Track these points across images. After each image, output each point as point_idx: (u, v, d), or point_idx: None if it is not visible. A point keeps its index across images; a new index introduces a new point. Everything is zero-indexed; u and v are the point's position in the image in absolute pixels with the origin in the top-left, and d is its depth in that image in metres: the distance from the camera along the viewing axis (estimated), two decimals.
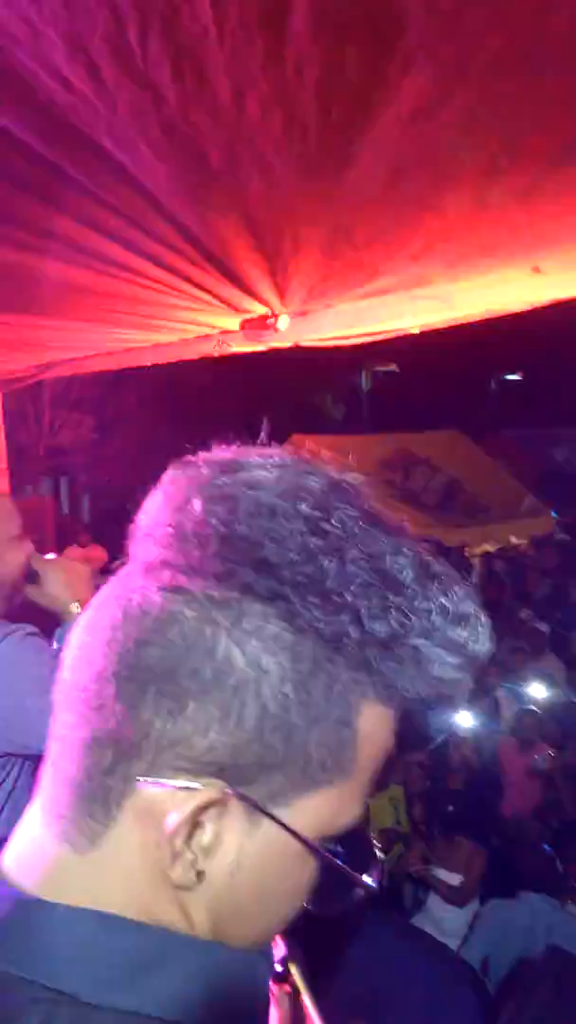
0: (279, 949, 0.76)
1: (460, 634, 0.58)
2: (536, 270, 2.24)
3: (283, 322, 2.80)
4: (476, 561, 11.83)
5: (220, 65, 1.30)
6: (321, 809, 0.59)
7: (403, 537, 0.60)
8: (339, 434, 15.28)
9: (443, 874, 4.56)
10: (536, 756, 5.85)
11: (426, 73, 1.30)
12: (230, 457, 0.62)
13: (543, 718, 6.38)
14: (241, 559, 0.55)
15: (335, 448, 12.94)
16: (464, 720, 6.37)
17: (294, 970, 0.77)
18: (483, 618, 0.61)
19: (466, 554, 11.83)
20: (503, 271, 2.24)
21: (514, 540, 12.90)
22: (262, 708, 0.55)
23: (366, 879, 0.65)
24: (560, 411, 17.09)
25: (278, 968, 0.76)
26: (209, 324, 3.11)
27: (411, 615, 0.56)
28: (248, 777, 0.56)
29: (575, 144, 1.46)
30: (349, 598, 0.55)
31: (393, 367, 14.67)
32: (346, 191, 1.75)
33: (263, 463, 0.60)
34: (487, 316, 2.77)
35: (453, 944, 4.23)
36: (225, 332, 3.25)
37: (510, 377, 17.83)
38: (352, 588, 0.55)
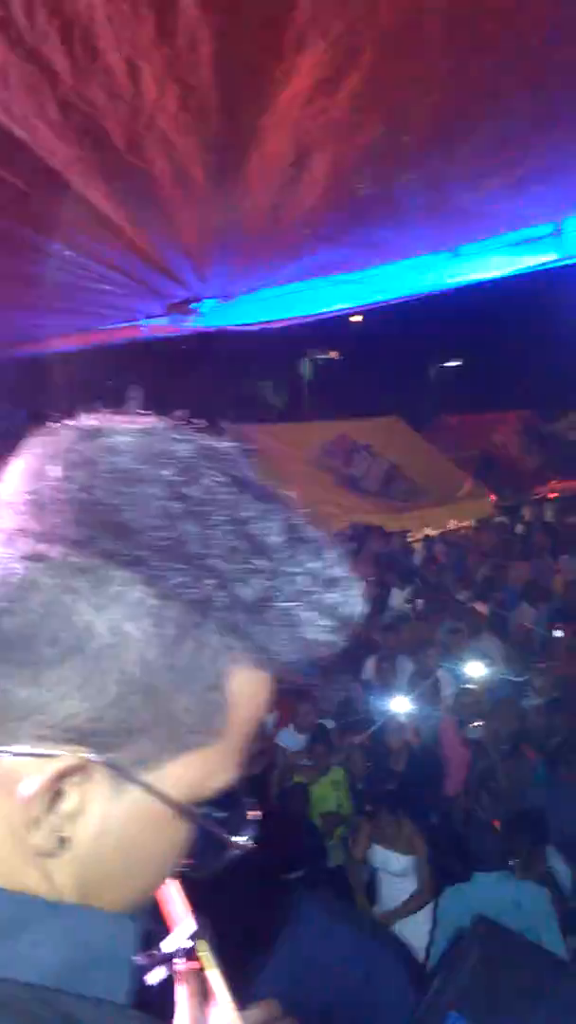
0: (188, 924, 0.76)
1: (331, 597, 0.58)
2: (453, 251, 2.27)
3: (206, 306, 2.78)
4: (418, 545, 12.01)
5: (110, 40, 1.27)
6: (192, 772, 0.59)
7: (275, 503, 0.60)
8: (280, 422, 15.31)
9: (388, 855, 4.63)
10: (469, 726, 5.97)
11: (319, 50, 1.29)
12: (92, 424, 0.61)
13: (481, 696, 6.52)
14: (100, 525, 0.55)
15: (276, 436, 12.97)
16: (405, 702, 6.48)
17: (202, 946, 0.77)
18: (355, 582, 0.61)
19: (408, 538, 12.00)
20: (421, 252, 2.26)
21: (454, 523, 13.12)
22: (124, 674, 0.54)
23: (240, 840, 0.66)
24: (497, 397, 17.43)
25: (187, 944, 0.76)
26: (133, 309, 3.07)
27: (279, 579, 0.56)
28: (113, 743, 0.56)
29: (473, 122, 1.47)
30: (213, 562, 0.55)
31: (334, 355, 14.72)
32: (255, 172, 1.74)
33: (126, 429, 0.59)
34: (410, 297, 2.79)
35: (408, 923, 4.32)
36: (150, 317, 3.21)
37: (449, 364, 18.07)
38: (216, 552, 0.55)
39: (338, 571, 0.60)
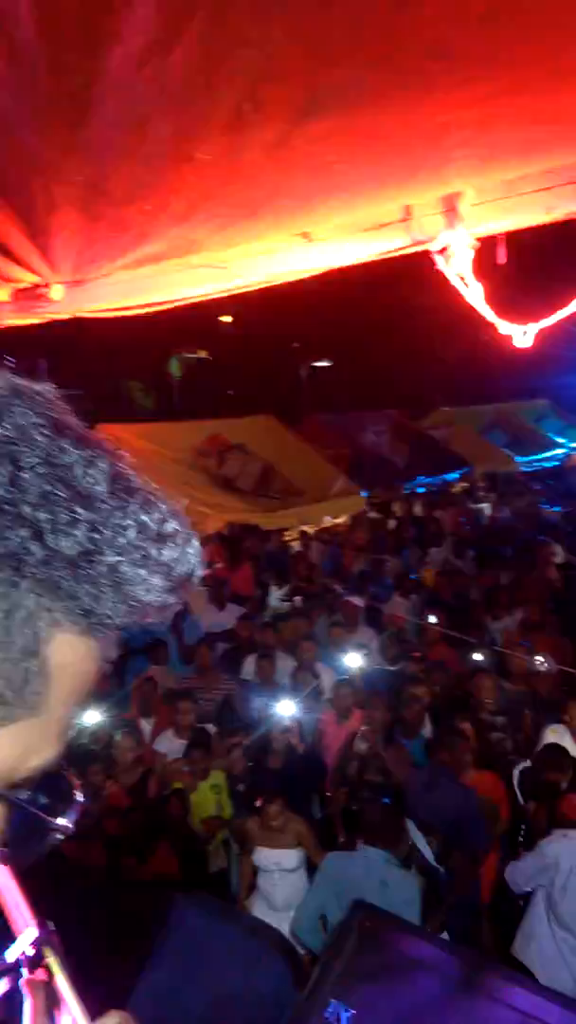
0: (31, 931, 0.67)
1: (164, 554, 0.53)
2: (305, 236, 2.25)
3: (57, 292, 2.64)
4: (295, 543, 12.13)
5: None
6: (4, 750, 0.52)
7: (99, 449, 0.53)
8: (150, 422, 15.01)
9: (276, 853, 4.60)
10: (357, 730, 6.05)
11: (149, 5, 1.23)
12: None
13: (359, 687, 6.63)
14: None
15: (146, 436, 12.72)
16: (287, 699, 6.50)
17: (49, 954, 0.68)
18: (192, 539, 0.55)
19: (285, 537, 12.09)
20: (274, 236, 2.23)
21: (328, 520, 13.34)
22: None
23: (64, 823, 0.59)
24: (366, 396, 17.89)
25: (31, 951, 0.67)
26: None
27: (104, 530, 0.50)
28: None
29: (320, 94, 1.45)
30: (27, 510, 0.48)
31: (204, 354, 14.62)
32: (92, 141, 1.65)
33: None
34: (267, 284, 2.76)
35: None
36: None
37: (319, 364, 18.38)
38: (30, 499, 0.48)
39: (172, 526, 0.54)
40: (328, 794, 5.72)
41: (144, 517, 0.53)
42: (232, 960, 2.72)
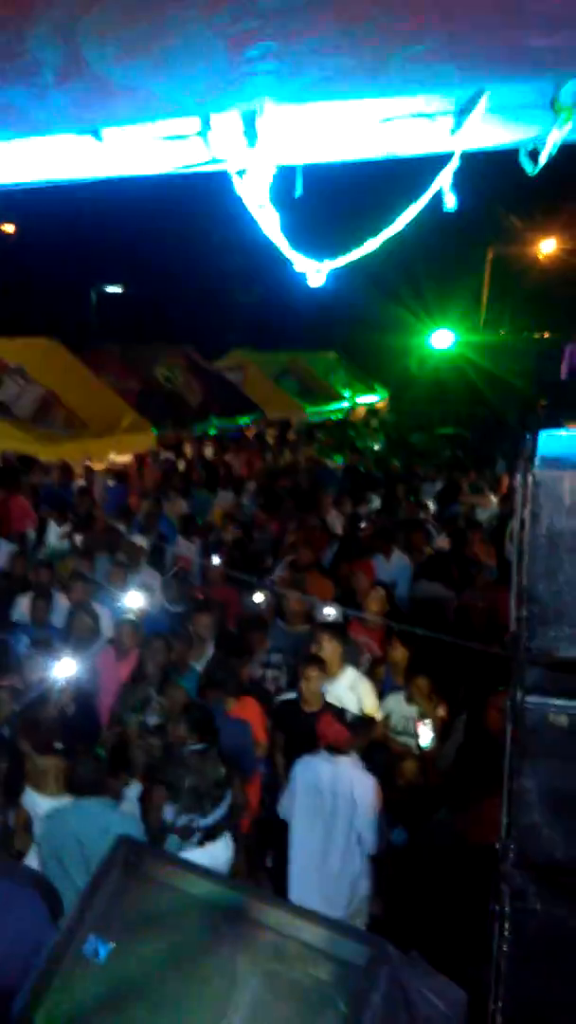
0: None
1: None
2: (96, 135, 2.04)
3: None
4: (79, 479, 11.61)
5: None
6: None
7: None
8: None
9: (37, 797, 4.44)
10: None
11: None
12: None
13: (139, 625, 6.54)
14: None
15: None
16: (63, 641, 6.27)
17: None
18: None
19: (67, 471, 11.53)
20: (62, 124, 1.99)
21: (114, 456, 12.91)
22: None
23: None
24: (161, 329, 17.36)
25: None
26: None
27: None
28: None
29: None
30: None
31: None
32: None
33: None
34: (57, 186, 2.49)
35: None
36: None
37: (113, 290, 17.49)
38: None
39: None
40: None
41: None
42: None
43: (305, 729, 4.94)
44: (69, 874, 3.78)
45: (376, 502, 11.49)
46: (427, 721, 5.28)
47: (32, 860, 4.05)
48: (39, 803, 4.32)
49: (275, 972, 2.20)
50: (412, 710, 5.51)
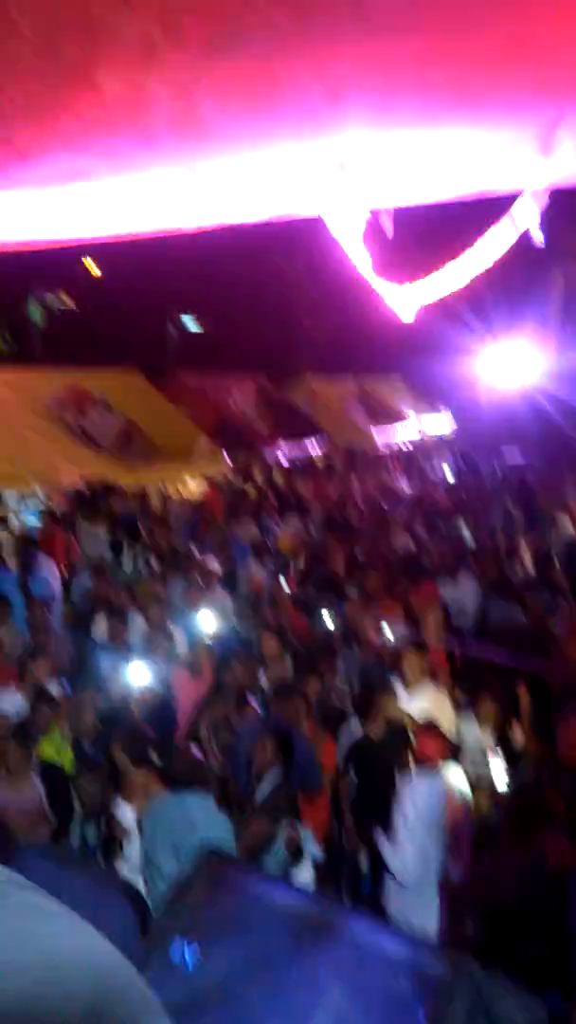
0: None
1: None
2: (194, 174, 2.20)
3: None
4: (154, 504, 11.95)
5: None
6: None
7: None
8: (8, 367, 14.14)
9: (124, 810, 4.56)
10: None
11: None
12: None
13: (212, 647, 6.70)
14: None
15: (3, 382, 12.04)
16: (139, 659, 6.45)
17: None
18: None
19: (145, 498, 11.87)
20: (165, 170, 2.16)
21: (189, 482, 13.24)
22: None
23: None
24: (233, 359, 17.78)
25: None
26: None
27: None
28: None
29: (231, 32, 1.42)
30: None
31: (69, 302, 13.96)
32: None
33: None
34: (156, 232, 2.68)
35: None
36: None
37: (189, 321, 18.03)
38: None
39: None
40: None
41: None
42: (80, 904, 2.71)
43: (380, 761, 4.96)
44: (159, 863, 3.89)
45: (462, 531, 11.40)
46: (499, 753, 5.17)
47: (122, 865, 4.19)
48: (128, 814, 4.46)
49: (356, 982, 2.25)
50: (484, 738, 5.43)
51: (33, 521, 10.91)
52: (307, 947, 2.42)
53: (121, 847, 4.42)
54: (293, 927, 2.45)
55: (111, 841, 4.60)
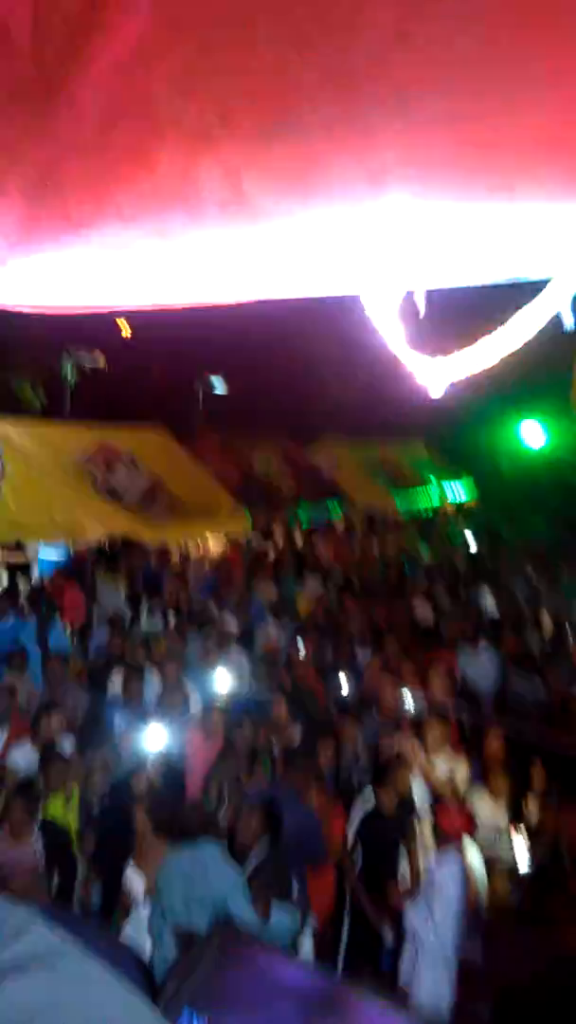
0: None
1: None
2: (238, 251, 2.31)
3: None
4: (175, 561, 11.99)
5: None
6: None
7: None
8: (38, 421, 14.47)
9: (134, 877, 4.47)
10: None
11: (144, 16, 1.26)
12: None
13: (226, 708, 6.64)
14: None
15: (33, 436, 12.31)
16: (154, 716, 6.42)
17: None
18: None
19: (167, 555, 11.91)
20: (210, 246, 2.26)
21: (211, 541, 13.31)
22: None
23: None
24: (258, 420, 18.07)
25: None
26: None
27: None
28: None
29: (282, 119, 1.52)
30: None
31: (100, 360, 14.32)
32: (58, 128, 1.65)
33: None
34: (197, 304, 2.78)
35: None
36: None
37: (217, 381, 18.40)
38: None
39: None
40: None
41: None
42: None
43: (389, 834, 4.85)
44: (174, 911, 3.82)
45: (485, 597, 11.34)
46: (522, 832, 5.02)
47: (126, 929, 4.10)
48: (138, 882, 4.37)
49: None
50: (501, 819, 5.27)
51: (47, 570, 10.99)
52: None
53: (127, 912, 4.32)
54: (302, 1004, 2.39)
55: (116, 905, 4.50)
